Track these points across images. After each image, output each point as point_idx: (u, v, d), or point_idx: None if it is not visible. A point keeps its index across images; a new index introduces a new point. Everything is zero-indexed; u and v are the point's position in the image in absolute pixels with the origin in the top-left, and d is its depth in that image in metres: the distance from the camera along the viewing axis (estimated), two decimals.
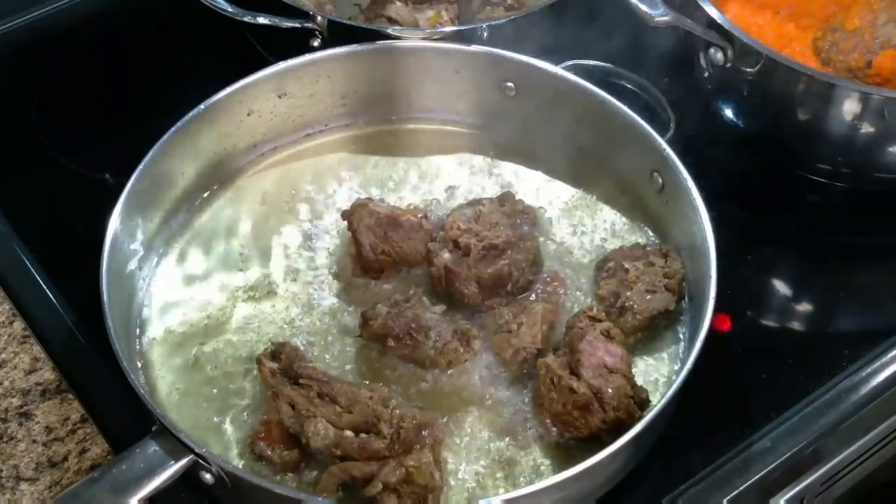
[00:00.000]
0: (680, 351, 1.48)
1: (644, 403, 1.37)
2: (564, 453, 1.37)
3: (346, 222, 1.54)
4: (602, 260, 1.56)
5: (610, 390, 1.34)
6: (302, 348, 1.44)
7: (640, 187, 1.61)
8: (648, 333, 1.49)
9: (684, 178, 1.50)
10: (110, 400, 1.46)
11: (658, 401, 1.32)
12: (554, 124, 1.69)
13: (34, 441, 1.44)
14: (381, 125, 1.77)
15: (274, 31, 1.76)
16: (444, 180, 1.69)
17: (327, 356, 1.47)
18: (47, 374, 1.50)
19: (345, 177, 1.70)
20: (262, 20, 1.75)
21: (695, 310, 1.48)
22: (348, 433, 1.30)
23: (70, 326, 1.55)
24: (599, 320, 1.42)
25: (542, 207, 1.64)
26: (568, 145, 1.69)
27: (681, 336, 1.49)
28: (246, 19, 1.74)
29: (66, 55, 1.98)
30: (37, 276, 1.61)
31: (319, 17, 1.74)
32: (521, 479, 1.35)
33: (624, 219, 1.63)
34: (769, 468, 1.41)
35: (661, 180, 1.56)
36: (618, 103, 1.59)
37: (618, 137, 1.61)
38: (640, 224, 1.62)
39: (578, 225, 1.63)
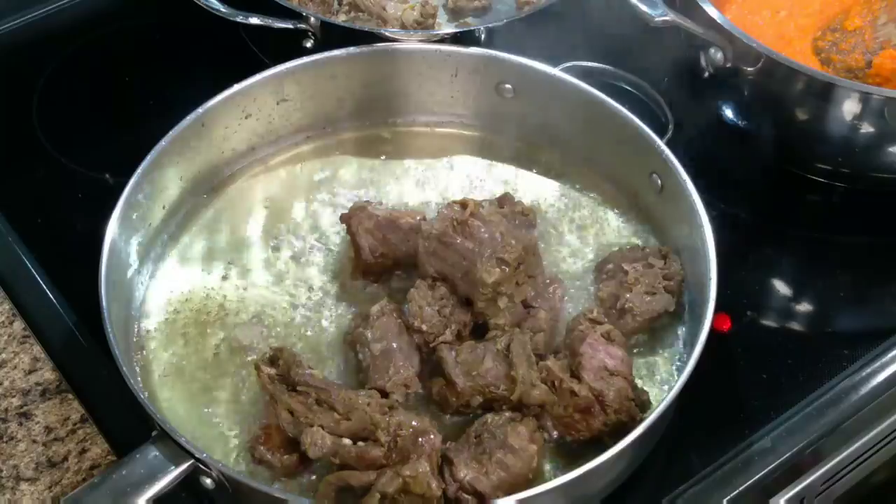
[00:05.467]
0: (680, 352, 1.48)
1: (645, 405, 1.38)
2: (566, 455, 1.38)
3: (344, 225, 1.54)
4: (601, 262, 1.56)
5: (611, 393, 1.34)
6: (300, 353, 1.44)
7: (640, 189, 1.61)
8: (649, 335, 1.49)
9: (683, 179, 1.50)
10: (110, 400, 1.46)
11: (659, 402, 1.32)
12: (552, 126, 1.69)
13: (34, 441, 1.44)
14: (378, 127, 1.76)
15: (268, 32, 1.76)
16: (443, 182, 1.69)
17: (325, 360, 1.47)
18: (47, 374, 1.51)
19: (343, 179, 1.70)
20: (253, 20, 1.75)
21: (695, 311, 1.48)
22: (346, 441, 1.30)
23: (70, 326, 1.55)
24: (599, 322, 1.42)
25: (540, 209, 1.64)
26: (567, 147, 1.69)
27: (681, 337, 1.49)
28: (238, 19, 1.74)
29: (66, 55, 1.98)
30: (37, 276, 1.61)
31: (312, 19, 1.74)
32: None
33: (623, 220, 1.63)
34: (769, 468, 1.41)
35: (660, 182, 1.56)
36: (616, 105, 1.59)
37: (617, 139, 1.61)
38: (639, 225, 1.62)
39: (577, 226, 1.63)
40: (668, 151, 1.53)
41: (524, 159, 1.71)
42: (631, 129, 1.57)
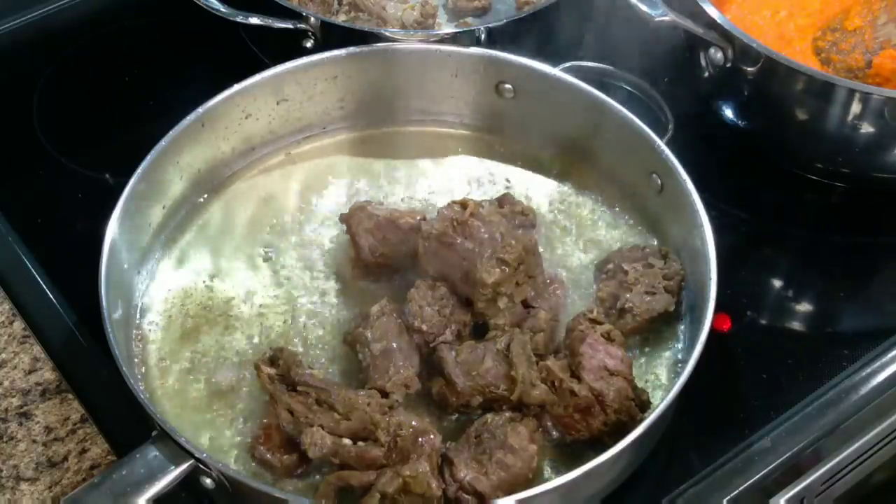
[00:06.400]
0: (680, 352, 1.48)
1: (645, 405, 1.37)
2: (566, 455, 1.37)
3: (344, 225, 1.54)
4: (601, 262, 1.56)
5: (611, 393, 1.34)
6: (300, 352, 1.44)
7: (640, 189, 1.61)
8: (649, 334, 1.49)
9: (683, 179, 1.50)
10: (110, 400, 1.46)
11: (659, 402, 1.32)
12: (552, 126, 1.69)
13: (34, 441, 1.44)
14: (379, 128, 1.76)
15: (268, 32, 1.76)
16: (443, 182, 1.69)
17: (325, 359, 1.47)
18: (47, 373, 1.51)
19: (343, 179, 1.70)
20: (253, 20, 1.75)
21: (695, 311, 1.48)
22: (346, 441, 1.30)
23: (70, 326, 1.55)
24: (599, 322, 1.42)
25: (540, 209, 1.64)
26: (566, 147, 1.69)
27: (681, 337, 1.49)
28: (238, 19, 1.75)
29: (66, 55, 1.98)
30: (37, 276, 1.61)
31: (312, 19, 1.75)
32: None
33: (623, 220, 1.63)
34: (769, 468, 1.41)
35: (660, 182, 1.56)
36: (616, 105, 1.59)
37: (616, 139, 1.61)
38: (639, 225, 1.62)
39: (577, 226, 1.62)
40: (667, 151, 1.53)
41: (524, 159, 1.71)
42: (631, 129, 1.57)
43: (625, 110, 1.58)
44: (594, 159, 1.67)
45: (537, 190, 1.68)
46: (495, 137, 1.74)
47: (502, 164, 1.71)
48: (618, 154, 1.62)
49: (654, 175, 1.56)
